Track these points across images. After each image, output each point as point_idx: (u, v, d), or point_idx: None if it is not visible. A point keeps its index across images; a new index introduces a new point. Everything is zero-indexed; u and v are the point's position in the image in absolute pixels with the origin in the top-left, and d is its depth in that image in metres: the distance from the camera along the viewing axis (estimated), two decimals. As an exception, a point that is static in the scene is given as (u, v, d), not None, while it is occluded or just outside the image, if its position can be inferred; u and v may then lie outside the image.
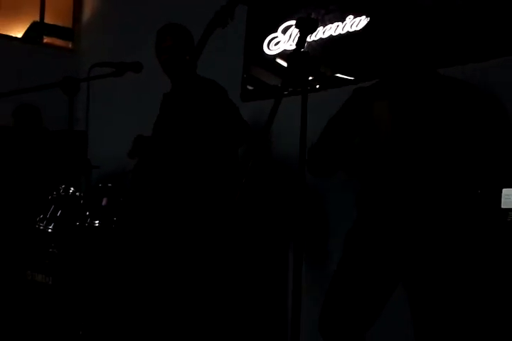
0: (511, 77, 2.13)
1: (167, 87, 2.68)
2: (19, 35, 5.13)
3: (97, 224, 2.42)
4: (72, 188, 2.54)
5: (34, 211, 2.58)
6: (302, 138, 1.66)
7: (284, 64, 3.01)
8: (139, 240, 2.49)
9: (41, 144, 3.56)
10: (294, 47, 2.91)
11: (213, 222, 2.39)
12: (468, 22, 2.28)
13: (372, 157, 1.83)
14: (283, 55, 3.00)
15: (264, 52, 3.10)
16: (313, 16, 1.64)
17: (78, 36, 5.14)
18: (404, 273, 1.78)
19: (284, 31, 3.01)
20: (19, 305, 2.66)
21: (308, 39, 2.79)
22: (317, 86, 2.77)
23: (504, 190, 1.52)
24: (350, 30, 2.70)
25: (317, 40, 2.82)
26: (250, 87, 3.20)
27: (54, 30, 5.17)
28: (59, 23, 5.21)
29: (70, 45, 5.21)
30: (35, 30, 5.11)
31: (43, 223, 2.48)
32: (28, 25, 5.13)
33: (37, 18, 5.17)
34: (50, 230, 2.46)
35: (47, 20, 5.21)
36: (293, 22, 2.95)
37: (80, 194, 2.54)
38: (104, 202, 2.47)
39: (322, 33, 2.81)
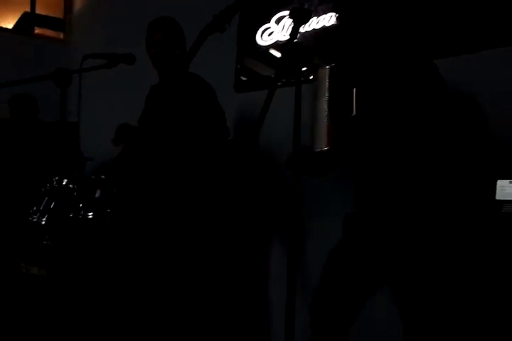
0: (487, 72, 2.13)
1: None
2: (10, 26, 5.08)
3: (90, 216, 2.42)
4: (65, 180, 2.53)
5: (27, 203, 2.57)
6: (296, 129, 1.67)
7: (278, 54, 3.00)
8: (132, 232, 2.49)
9: (35, 136, 3.54)
10: (287, 37, 2.90)
11: (200, 213, 2.42)
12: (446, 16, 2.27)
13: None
14: (276, 45, 2.99)
15: (257, 42, 3.08)
16: (306, 7, 1.63)
17: (69, 27, 5.10)
18: (392, 269, 1.79)
19: (278, 22, 3.00)
20: (14, 298, 2.66)
21: (302, 30, 2.78)
22: (310, 77, 2.76)
23: (499, 182, 1.53)
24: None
25: (310, 31, 2.81)
26: (244, 78, 3.19)
27: (45, 21, 5.13)
28: (50, 14, 5.16)
29: (62, 36, 5.16)
30: (26, 21, 5.06)
31: (36, 215, 2.48)
32: (18, 16, 5.08)
33: (28, 9, 5.12)
34: (43, 222, 2.46)
35: (38, 10, 5.16)
36: (286, 12, 2.93)
37: (73, 186, 2.53)
38: (97, 194, 2.46)
39: (315, 23, 2.80)
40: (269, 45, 3.04)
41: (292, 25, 1.51)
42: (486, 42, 2.14)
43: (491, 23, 2.13)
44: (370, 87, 1.77)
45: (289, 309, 1.47)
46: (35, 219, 2.47)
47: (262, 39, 3.06)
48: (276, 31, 3.00)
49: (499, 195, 1.52)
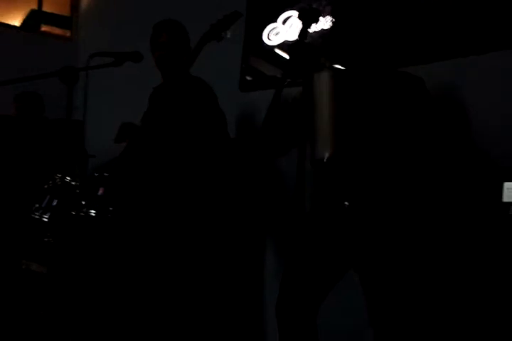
0: (477, 76, 2.12)
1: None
2: (17, 23, 5.09)
3: (93, 214, 2.41)
4: (68, 177, 2.52)
5: (30, 200, 2.57)
6: (300, 129, 1.66)
7: (284, 55, 2.99)
8: (134, 230, 2.48)
9: (40, 133, 3.54)
10: (294, 37, 2.90)
11: (201, 212, 2.41)
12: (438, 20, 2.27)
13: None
14: (283, 45, 2.98)
15: (263, 42, 3.08)
16: (314, 7, 1.63)
17: (76, 25, 5.10)
18: (355, 258, 1.78)
19: (285, 21, 2.99)
20: (14, 294, 2.65)
21: (310, 30, 2.77)
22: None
23: (506, 184, 1.52)
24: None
25: (318, 31, 2.80)
26: (249, 78, 3.18)
27: (52, 19, 5.13)
28: (57, 12, 5.17)
29: (68, 34, 5.17)
30: (33, 19, 5.07)
31: (38, 212, 2.47)
32: (26, 14, 5.09)
33: (35, 6, 5.13)
34: (45, 219, 2.45)
35: (45, 8, 5.16)
36: (293, 12, 2.93)
37: (75, 183, 2.53)
38: (100, 192, 2.45)
39: (323, 23, 2.78)
40: (275, 45, 3.03)
41: (301, 26, 1.50)
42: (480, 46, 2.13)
43: (486, 27, 2.12)
44: (363, 91, 1.78)
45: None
46: (37, 216, 2.47)
47: (269, 39, 3.06)
48: (283, 31, 3.00)
49: (506, 197, 1.51)
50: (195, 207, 2.45)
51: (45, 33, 5.12)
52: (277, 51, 3.02)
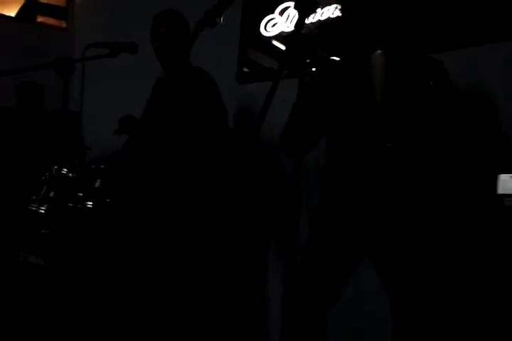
0: (498, 63, 2.12)
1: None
2: (12, 13, 5.05)
3: (89, 206, 2.41)
4: (65, 169, 2.52)
5: (27, 192, 2.56)
6: (299, 121, 1.65)
7: (281, 46, 2.98)
8: (131, 222, 2.48)
9: (38, 125, 3.53)
10: (291, 28, 2.88)
11: (199, 206, 2.42)
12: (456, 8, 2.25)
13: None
14: (280, 37, 2.97)
15: (260, 33, 3.06)
16: (311, -3, 1.61)
17: (72, 15, 5.07)
18: (369, 249, 1.78)
19: (282, 13, 2.97)
20: (12, 286, 2.65)
21: (307, 21, 2.75)
22: (313, 69, 2.74)
23: (500, 176, 1.52)
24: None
25: (315, 22, 2.79)
26: (246, 69, 3.17)
27: (48, 9, 5.10)
28: (53, 2, 5.13)
29: (64, 25, 5.14)
30: (29, 9, 5.04)
31: (35, 204, 2.47)
32: (21, 4, 5.05)
33: (30, -3, 5.10)
34: (42, 211, 2.45)
35: (41, -2, 5.13)
36: (291, 3, 2.91)
37: (72, 175, 2.52)
38: (97, 184, 2.45)
39: (320, 15, 2.77)
40: (272, 36, 3.01)
41: (298, 16, 1.49)
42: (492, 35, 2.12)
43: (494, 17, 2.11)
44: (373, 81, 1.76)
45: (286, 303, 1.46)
46: (34, 208, 2.46)
47: (266, 30, 3.04)
48: (280, 22, 2.98)
49: (501, 189, 1.52)
50: (194, 201, 2.45)
51: (40, 23, 5.08)
52: (274, 42, 3.01)
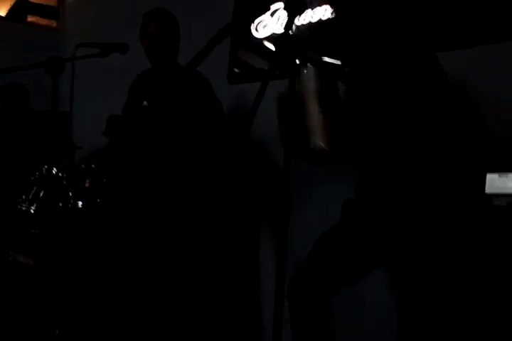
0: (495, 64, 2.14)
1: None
2: (2, 13, 5.03)
3: (80, 206, 2.41)
4: (55, 169, 2.51)
5: (16, 191, 2.55)
6: (289, 122, 1.66)
7: (272, 47, 2.99)
8: (122, 222, 2.48)
9: (26, 125, 3.51)
10: (282, 30, 2.89)
11: (190, 204, 2.42)
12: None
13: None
14: (271, 38, 2.98)
15: (251, 35, 3.07)
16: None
17: (63, 15, 5.06)
18: (386, 256, 1.80)
19: (273, 14, 2.99)
20: (1, 286, 2.64)
21: (297, 22, 2.77)
22: (305, 71, 2.75)
23: (488, 175, 1.53)
24: (339, 14, 2.67)
25: (306, 24, 2.80)
26: (237, 70, 3.18)
27: (38, 9, 5.08)
28: (43, 2, 5.12)
29: (55, 24, 5.12)
30: (20, 9, 5.02)
31: (25, 204, 2.46)
32: (11, 4, 5.03)
33: (21, -4, 5.08)
34: (32, 211, 2.44)
35: (31, -2, 5.11)
36: (281, 5, 2.92)
37: (62, 175, 2.52)
38: (87, 183, 2.45)
39: (310, 16, 2.79)
40: (263, 37, 3.03)
41: (287, 17, 1.50)
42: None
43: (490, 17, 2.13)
44: (367, 81, 1.78)
45: (279, 298, 1.47)
46: (24, 208, 2.46)
47: (257, 31, 3.05)
48: (271, 23, 2.99)
49: (489, 189, 1.53)
50: (187, 198, 2.45)
51: (31, 23, 5.07)
52: (265, 43, 3.02)
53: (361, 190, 1.85)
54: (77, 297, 2.46)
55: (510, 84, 2.02)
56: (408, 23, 2.23)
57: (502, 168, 1.54)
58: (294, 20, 1.50)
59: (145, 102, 2.57)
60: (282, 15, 2.91)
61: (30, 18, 5.09)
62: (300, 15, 1.61)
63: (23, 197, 2.47)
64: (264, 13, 3.02)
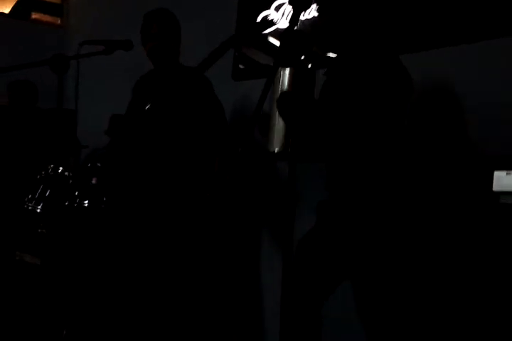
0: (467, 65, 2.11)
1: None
2: (6, 10, 5.03)
3: (86, 204, 2.40)
4: (61, 168, 2.51)
5: (23, 190, 2.55)
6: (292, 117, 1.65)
7: (277, 42, 2.97)
8: (127, 220, 2.48)
9: (32, 123, 3.51)
10: (287, 25, 2.87)
11: (193, 202, 2.41)
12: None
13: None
14: (276, 33, 2.95)
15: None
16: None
17: (67, 12, 5.05)
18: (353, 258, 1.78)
19: (277, 9, 2.96)
20: (8, 286, 2.65)
21: (302, 17, 2.74)
22: (309, 65, 2.73)
23: (496, 173, 1.51)
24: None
25: (310, 19, 2.77)
26: (242, 66, 3.16)
27: (42, 6, 5.08)
28: (47, -1, 5.11)
29: (59, 21, 5.12)
30: (23, 6, 5.01)
31: (31, 203, 2.46)
32: (15, 1, 5.03)
33: (25, -7, 5.07)
34: (38, 210, 2.44)
35: (35, -5, 5.11)
36: (286, -1, 2.90)
37: (68, 173, 2.51)
38: (93, 182, 2.44)
39: (315, 11, 2.76)
40: (268, 33, 3.00)
41: (292, 12, 1.48)
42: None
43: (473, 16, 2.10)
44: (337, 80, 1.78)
45: (284, 298, 1.46)
46: (30, 207, 2.45)
47: (262, 26, 3.03)
48: (275, 18, 2.97)
49: (496, 186, 1.51)
50: (189, 197, 2.45)
51: (35, 20, 5.06)
52: (270, 39, 3.00)
53: (330, 188, 1.85)
54: (83, 296, 2.46)
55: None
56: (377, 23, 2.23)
57: (510, 166, 1.52)
58: (299, 16, 1.48)
59: (148, 106, 2.56)
60: (287, 10, 2.88)
61: (34, 15, 5.09)
62: (305, 10, 1.58)
63: (30, 196, 2.47)
64: (268, 7, 2.99)
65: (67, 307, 2.43)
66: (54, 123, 3.39)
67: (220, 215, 2.64)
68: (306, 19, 2.76)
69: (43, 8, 5.07)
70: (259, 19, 3.04)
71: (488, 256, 1.82)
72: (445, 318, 2.00)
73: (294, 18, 1.49)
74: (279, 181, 2.80)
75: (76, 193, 2.40)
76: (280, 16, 2.95)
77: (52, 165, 2.53)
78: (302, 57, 1.81)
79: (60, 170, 2.51)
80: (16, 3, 5.03)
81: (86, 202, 2.40)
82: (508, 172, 1.49)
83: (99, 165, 2.52)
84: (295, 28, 1.49)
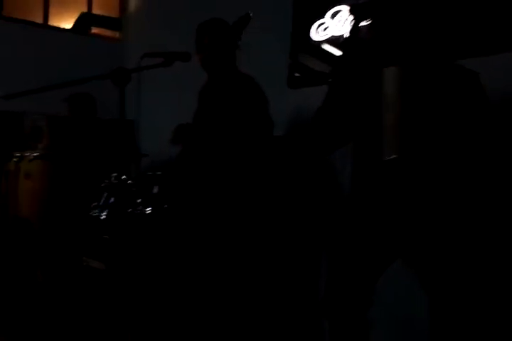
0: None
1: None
2: (68, 26, 5.24)
3: (148, 212, 2.46)
4: (123, 176, 2.58)
5: (88, 199, 2.64)
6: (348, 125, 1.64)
7: (333, 50, 2.97)
8: (189, 228, 2.52)
9: (93, 133, 3.63)
10: (342, 32, 2.87)
11: (254, 211, 2.42)
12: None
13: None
14: (331, 40, 2.96)
15: (311, 37, 3.06)
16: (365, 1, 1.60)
17: (126, 26, 5.21)
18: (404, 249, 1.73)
19: (333, 16, 2.96)
20: (77, 290, 2.73)
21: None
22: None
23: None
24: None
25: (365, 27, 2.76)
26: (297, 74, 3.17)
27: (102, 21, 5.27)
28: (106, 14, 5.29)
29: (118, 35, 5.28)
30: (84, 21, 5.21)
31: (96, 210, 2.54)
32: (76, 17, 5.23)
33: (85, 9, 5.27)
34: (103, 217, 2.52)
35: (95, 10, 5.31)
36: (342, 7, 2.89)
37: (131, 182, 2.58)
38: (155, 190, 2.50)
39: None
40: (324, 40, 3.01)
41: (352, 22, 1.48)
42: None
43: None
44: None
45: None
46: (95, 214, 2.54)
47: (317, 34, 3.04)
48: (331, 26, 2.97)
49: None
50: (249, 206, 2.46)
51: (95, 34, 5.25)
52: (325, 46, 3.00)
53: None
54: (147, 300, 2.51)
55: None
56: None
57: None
58: (359, 24, 1.48)
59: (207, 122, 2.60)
60: (344, 18, 2.88)
61: (94, 30, 5.28)
62: (366, 20, 1.57)
63: (95, 204, 2.56)
64: (323, 16, 3.00)
65: (131, 310, 2.49)
66: (114, 133, 3.49)
67: (279, 222, 2.64)
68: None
69: (102, 23, 5.26)
70: (314, 27, 3.05)
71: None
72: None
73: (355, 28, 1.50)
74: (341, 187, 2.78)
75: (138, 201, 2.47)
76: (335, 24, 2.95)
77: (115, 174, 2.61)
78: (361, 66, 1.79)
79: (122, 179, 2.58)
80: (77, 19, 5.23)
81: (148, 209, 2.46)
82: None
83: (159, 173, 2.58)
84: (355, 37, 1.49)
